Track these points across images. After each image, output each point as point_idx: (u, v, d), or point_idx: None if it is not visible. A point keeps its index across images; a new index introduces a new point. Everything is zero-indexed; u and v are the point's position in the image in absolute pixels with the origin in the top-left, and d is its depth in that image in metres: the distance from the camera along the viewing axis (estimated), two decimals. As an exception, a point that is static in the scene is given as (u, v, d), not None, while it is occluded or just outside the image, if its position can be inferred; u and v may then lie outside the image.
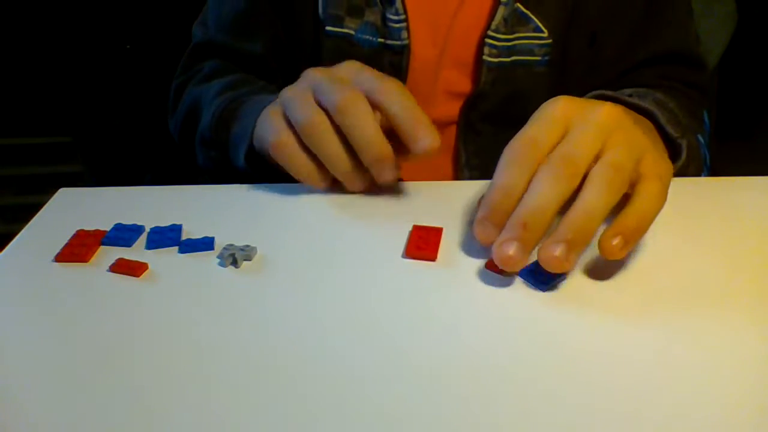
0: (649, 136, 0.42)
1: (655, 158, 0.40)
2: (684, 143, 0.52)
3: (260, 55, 0.67)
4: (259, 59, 0.67)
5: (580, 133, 0.38)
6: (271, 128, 0.46)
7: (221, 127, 0.57)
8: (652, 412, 0.29)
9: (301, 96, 0.45)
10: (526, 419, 0.29)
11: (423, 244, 0.41)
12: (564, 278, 0.38)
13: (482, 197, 0.39)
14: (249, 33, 0.68)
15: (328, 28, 0.62)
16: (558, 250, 0.35)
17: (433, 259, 0.40)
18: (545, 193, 0.36)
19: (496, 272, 0.38)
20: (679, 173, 0.51)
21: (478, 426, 0.28)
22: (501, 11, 0.60)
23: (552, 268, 0.36)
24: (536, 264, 0.37)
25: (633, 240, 0.37)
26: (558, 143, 0.39)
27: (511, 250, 0.36)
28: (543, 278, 0.37)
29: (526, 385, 0.30)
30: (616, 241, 0.36)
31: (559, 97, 0.41)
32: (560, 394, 0.30)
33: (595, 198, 0.36)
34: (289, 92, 0.46)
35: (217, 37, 0.69)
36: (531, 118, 0.40)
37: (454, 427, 0.28)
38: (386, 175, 0.44)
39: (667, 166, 0.41)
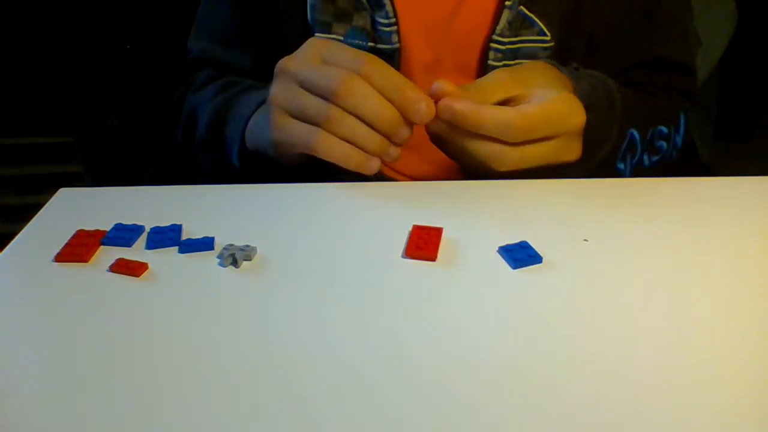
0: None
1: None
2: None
3: (249, 69, 0.69)
4: (250, 72, 0.69)
5: None
6: (295, 134, 0.47)
7: (216, 131, 0.60)
8: (654, 413, 0.29)
9: (296, 96, 0.47)
10: (528, 418, 0.28)
11: (423, 244, 0.41)
12: (539, 262, 0.40)
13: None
14: (238, 45, 0.69)
15: (316, 34, 0.62)
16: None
17: (433, 259, 0.40)
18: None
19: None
20: (595, 153, 0.54)
21: (479, 425, 0.28)
22: (506, 15, 0.60)
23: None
24: (515, 245, 0.41)
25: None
26: None
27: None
28: (518, 258, 0.40)
29: (527, 384, 0.30)
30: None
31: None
32: (561, 393, 0.30)
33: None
34: (280, 99, 0.48)
35: (210, 51, 0.71)
36: None
37: (454, 426, 0.28)
38: (403, 133, 0.47)
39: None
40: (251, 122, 0.55)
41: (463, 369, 0.31)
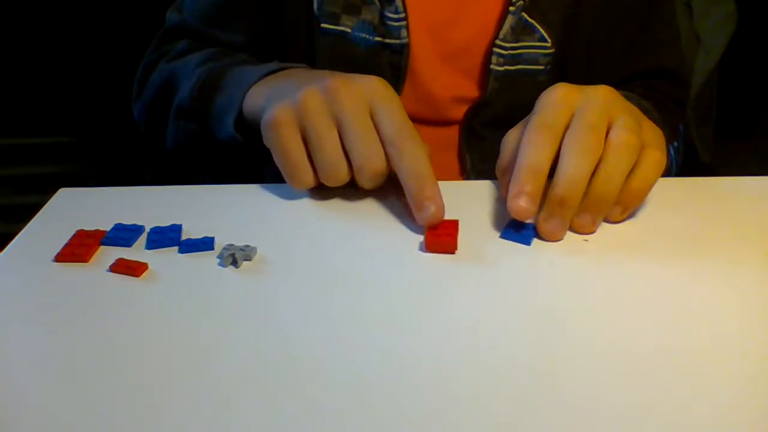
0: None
1: (650, 126, 0.45)
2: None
3: (240, 45, 0.65)
4: (238, 48, 0.66)
5: (589, 108, 0.42)
6: (274, 107, 0.44)
7: (204, 97, 0.56)
8: (656, 409, 0.29)
9: (319, 114, 0.43)
10: (530, 416, 0.28)
11: (443, 232, 0.40)
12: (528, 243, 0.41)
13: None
14: (227, 25, 0.66)
15: (323, 25, 0.61)
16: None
17: (452, 251, 0.40)
18: (576, 165, 0.40)
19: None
20: None
21: (481, 426, 0.28)
22: (509, 20, 0.60)
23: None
24: (512, 223, 0.41)
25: (633, 206, 0.43)
26: (569, 123, 0.42)
27: (554, 225, 0.41)
28: (524, 232, 0.41)
29: (529, 383, 0.30)
30: (617, 209, 0.43)
31: (557, 84, 0.44)
32: (564, 390, 0.30)
33: (615, 163, 0.41)
34: (309, 105, 0.43)
35: (192, 22, 0.67)
36: (536, 106, 0.43)
37: (466, 420, 0.28)
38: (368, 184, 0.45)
39: (658, 136, 0.45)
40: (255, 91, 0.51)
41: (465, 367, 0.31)
